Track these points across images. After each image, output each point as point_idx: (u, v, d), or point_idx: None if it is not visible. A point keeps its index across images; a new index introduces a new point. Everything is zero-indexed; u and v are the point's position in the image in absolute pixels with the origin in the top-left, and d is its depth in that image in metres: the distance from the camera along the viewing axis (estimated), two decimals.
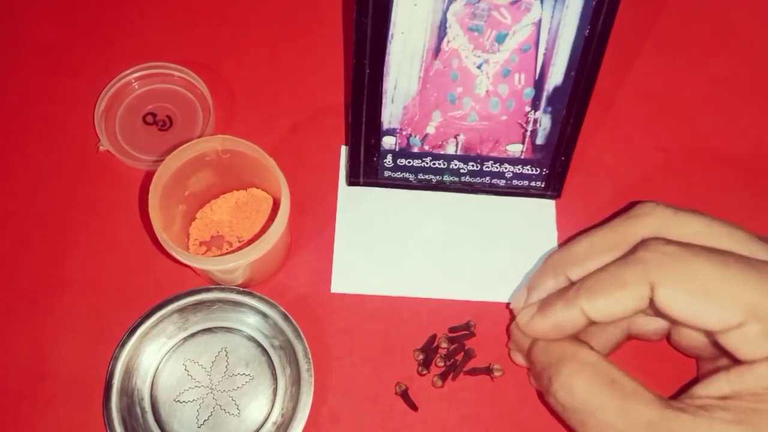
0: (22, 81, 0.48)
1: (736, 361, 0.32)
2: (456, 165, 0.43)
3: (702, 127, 0.48)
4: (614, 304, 0.33)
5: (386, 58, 0.38)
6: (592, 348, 0.35)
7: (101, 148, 0.45)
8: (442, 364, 0.40)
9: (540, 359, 0.36)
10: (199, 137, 0.40)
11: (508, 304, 0.42)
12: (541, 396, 0.39)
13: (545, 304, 0.36)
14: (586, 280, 0.34)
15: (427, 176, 0.44)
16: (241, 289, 0.40)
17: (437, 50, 0.38)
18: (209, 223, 0.43)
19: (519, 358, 0.40)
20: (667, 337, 0.39)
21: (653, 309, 0.33)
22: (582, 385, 0.33)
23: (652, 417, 0.31)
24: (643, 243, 0.34)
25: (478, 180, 0.44)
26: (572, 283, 0.36)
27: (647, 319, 0.38)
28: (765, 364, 0.30)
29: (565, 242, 0.41)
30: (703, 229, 0.34)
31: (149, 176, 0.39)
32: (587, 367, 0.34)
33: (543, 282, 0.38)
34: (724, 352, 0.32)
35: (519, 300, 0.39)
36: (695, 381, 0.37)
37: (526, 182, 0.44)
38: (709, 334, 0.33)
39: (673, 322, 0.36)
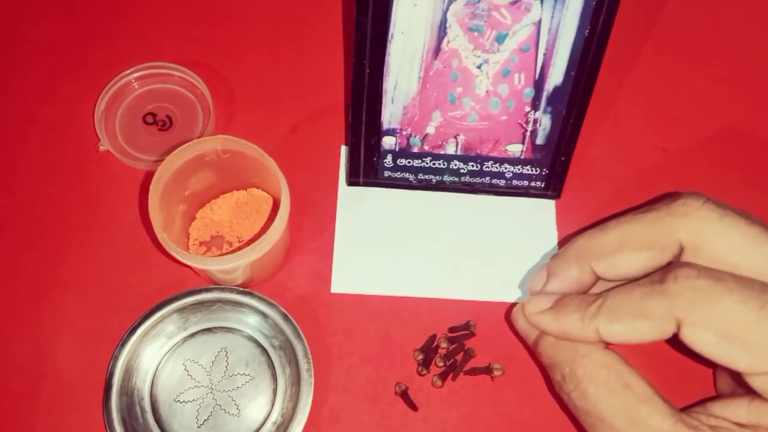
0: (22, 81, 0.48)
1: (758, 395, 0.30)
2: (456, 165, 0.43)
3: (702, 127, 0.48)
4: (633, 332, 0.31)
5: (386, 58, 0.38)
6: (606, 347, 0.33)
7: (101, 148, 0.45)
8: (441, 364, 0.40)
9: (549, 354, 0.35)
10: (199, 137, 0.40)
11: (510, 305, 0.42)
12: (550, 387, 0.39)
13: (560, 306, 0.34)
14: (607, 299, 0.32)
15: (427, 176, 0.44)
16: (241, 289, 0.40)
17: (437, 50, 0.38)
18: (209, 223, 0.43)
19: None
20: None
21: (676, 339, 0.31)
22: (594, 389, 0.32)
23: (661, 428, 0.30)
24: (672, 273, 0.31)
25: (478, 180, 0.44)
26: (593, 294, 0.34)
27: None
28: None
29: (576, 234, 0.38)
30: (748, 248, 0.31)
31: (149, 176, 0.39)
32: (601, 370, 0.32)
33: (565, 269, 0.36)
34: (746, 386, 0.31)
35: (536, 283, 0.37)
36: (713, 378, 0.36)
37: (526, 182, 0.44)
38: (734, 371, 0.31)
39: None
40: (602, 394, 0.32)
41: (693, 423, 0.30)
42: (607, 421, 0.31)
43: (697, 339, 0.30)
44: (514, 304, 0.42)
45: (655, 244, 0.33)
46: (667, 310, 0.30)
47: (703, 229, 0.32)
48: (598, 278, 0.35)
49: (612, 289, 0.33)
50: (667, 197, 0.34)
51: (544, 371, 0.40)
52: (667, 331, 0.30)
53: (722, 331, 0.29)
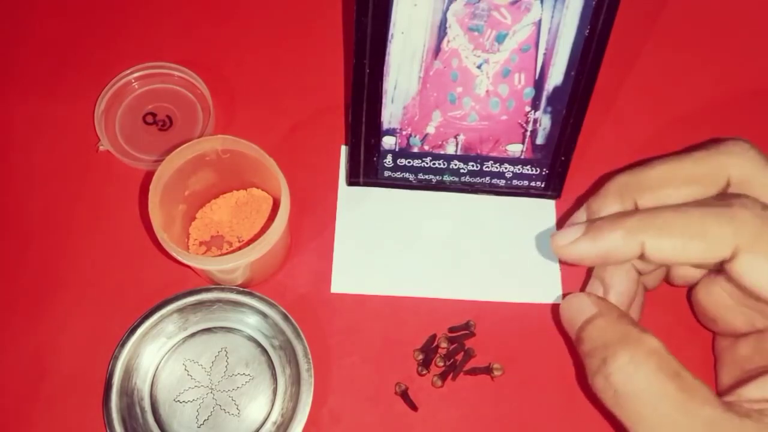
0: (23, 80, 0.48)
1: None
2: (456, 165, 0.43)
3: (702, 126, 0.48)
4: (682, 250, 0.31)
5: (386, 58, 0.38)
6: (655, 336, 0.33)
7: (101, 148, 0.45)
8: (441, 364, 0.40)
9: (595, 337, 0.34)
10: (199, 137, 0.40)
11: (512, 305, 0.42)
12: (582, 379, 0.38)
13: (595, 229, 0.33)
14: (657, 215, 0.32)
15: (427, 176, 0.44)
16: (241, 289, 0.40)
17: (437, 50, 0.38)
18: (209, 223, 0.43)
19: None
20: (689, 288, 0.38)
21: (714, 267, 0.31)
22: (646, 373, 0.31)
23: (713, 417, 0.30)
24: (738, 200, 0.31)
25: (478, 180, 0.44)
26: (626, 210, 0.33)
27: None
28: None
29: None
30: None
31: (149, 176, 0.39)
32: (653, 356, 0.31)
33: (606, 206, 0.35)
34: None
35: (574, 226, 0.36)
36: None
37: (526, 182, 0.44)
38: None
39: (741, 288, 0.32)
40: (654, 379, 0.31)
41: (742, 410, 0.30)
42: (657, 405, 0.31)
43: (753, 268, 0.30)
44: (515, 304, 0.42)
45: (704, 179, 0.33)
46: (729, 234, 0.30)
47: (753, 170, 0.33)
48: None
49: (654, 207, 0.33)
50: (710, 141, 0.35)
51: (544, 371, 0.40)
52: (720, 256, 0.30)
53: None
